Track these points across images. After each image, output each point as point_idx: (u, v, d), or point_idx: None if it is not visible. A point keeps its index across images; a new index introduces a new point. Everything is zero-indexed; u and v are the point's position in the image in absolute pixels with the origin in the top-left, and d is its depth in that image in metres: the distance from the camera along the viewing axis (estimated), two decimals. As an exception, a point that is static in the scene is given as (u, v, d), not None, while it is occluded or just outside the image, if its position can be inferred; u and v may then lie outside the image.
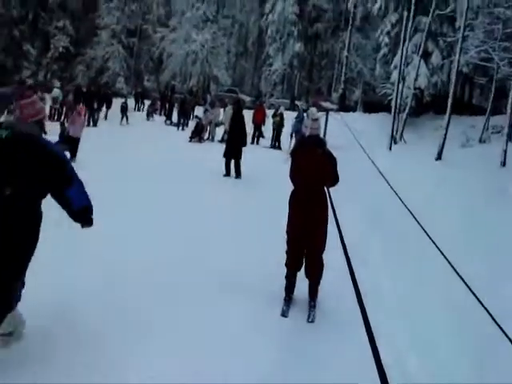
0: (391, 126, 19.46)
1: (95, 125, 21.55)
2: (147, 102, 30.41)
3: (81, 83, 38.49)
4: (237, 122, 12.66)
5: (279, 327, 4.81)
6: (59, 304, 4.51)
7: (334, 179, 5.23)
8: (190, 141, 18.68)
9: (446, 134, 13.95)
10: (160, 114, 28.10)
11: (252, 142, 19.45)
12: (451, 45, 21.53)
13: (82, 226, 3.88)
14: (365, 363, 3.31)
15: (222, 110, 21.47)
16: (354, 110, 31.47)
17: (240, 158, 12.43)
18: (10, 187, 3.41)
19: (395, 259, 7.18)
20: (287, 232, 5.23)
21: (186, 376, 3.71)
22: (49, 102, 22.76)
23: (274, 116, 19.76)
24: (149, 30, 45.56)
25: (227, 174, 12.41)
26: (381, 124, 24.70)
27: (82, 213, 3.77)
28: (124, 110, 23.46)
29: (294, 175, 5.26)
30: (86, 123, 20.81)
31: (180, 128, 22.96)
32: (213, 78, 41.57)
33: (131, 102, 30.29)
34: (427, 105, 24.59)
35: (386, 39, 26.86)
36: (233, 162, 12.39)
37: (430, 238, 6.55)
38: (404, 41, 19.90)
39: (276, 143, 19.24)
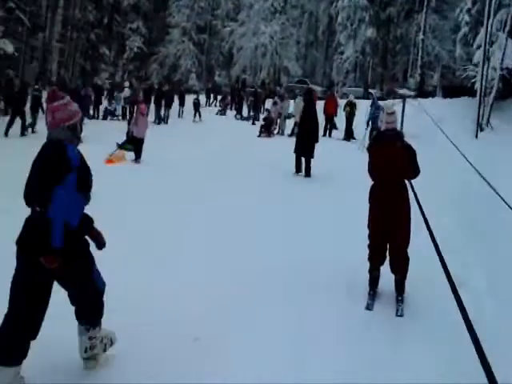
0: (476, 111, 17.91)
1: (166, 122, 21.53)
2: (219, 98, 30.36)
3: (154, 81, 39.43)
4: (308, 115, 11.57)
5: (365, 321, 4.72)
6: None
7: (414, 172, 5.11)
8: (260, 135, 18.16)
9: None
10: (231, 109, 27.86)
11: (324, 135, 18.62)
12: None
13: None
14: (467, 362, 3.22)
15: (292, 101, 20.80)
16: (432, 95, 29.66)
17: (312, 155, 11.35)
18: (37, 202, 3.03)
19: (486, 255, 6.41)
20: (369, 226, 5.16)
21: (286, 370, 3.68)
22: (121, 102, 23.17)
23: (345, 106, 18.81)
24: (218, 26, 45.65)
25: (298, 171, 11.53)
26: (463, 109, 23.01)
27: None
28: (196, 106, 23.37)
29: (373, 170, 5.14)
30: (157, 121, 21.02)
31: (251, 122, 22.55)
32: (283, 70, 40.92)
33: (203, 98, 30.43)
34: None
35: (467, 17, 24.97)
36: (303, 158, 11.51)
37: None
38: (488, 17, 18.21)
39: (348, 135, 18.26)
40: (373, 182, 5.19)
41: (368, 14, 39.71)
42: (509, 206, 6.85)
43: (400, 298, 5.02)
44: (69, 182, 3.03)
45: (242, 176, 10.66)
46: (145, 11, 45.59)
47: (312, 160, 11.39)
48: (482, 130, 18.40)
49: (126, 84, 26.63)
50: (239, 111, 25.36)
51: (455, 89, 28.02)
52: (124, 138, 13.07)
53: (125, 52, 44.64)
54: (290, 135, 17.61)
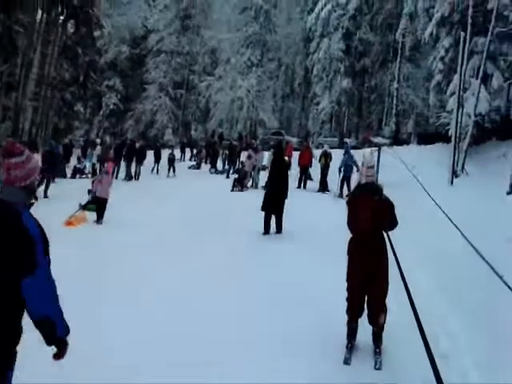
0: (451, 157, 17.57)
1: (137, 179, 20.88)
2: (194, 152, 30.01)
3: (128, 137, 39.12)
4: (277, 169, 10.85)
5: (343, 376, 4.67)
6: None
7: (392, 224, 5.21)
8: (233, 190, 17.55)
9: (517, 164, 12.10)
10: (206, 163, 27.41)
11: (299, 186, 18.11)
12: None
13: (54, 356, 2.74)
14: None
15: (266, 153, 20.37)
16: (407, 142, 29.61)
17: (281, 212, 10.53)
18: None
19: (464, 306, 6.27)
20: (347, 280, 5.21)
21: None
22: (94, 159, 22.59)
23: (320, 157, 18.35)
24: (195, 80, 45.90)
25: (266, 231, 10.43)
26: (438, 156, 22.79)
27: (43, 325, 2.65)
28: (171, 161, 22.84)
29: (352, 222, 5.24)
30: (127, 178, 20.37)
31: (226, 175, 22.03)
32: (259, 122, 40.95)
33: (178, 153, 30.00)
34: (488, 132, 22.52)
35: (440, 65, 25.08)
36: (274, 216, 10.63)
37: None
38: (462, 64, 18.14)
39: (323, 186, 17.67)
40: (351, 235, 5.28)
41: (343, 64, 40.32)
42: (485, 260, 6.29)
43: (378, 351, 5.03)
44: (40, 258, 2.57)
45: (209, 235, 10.00)
46: (122, 68, 45.79)
47: (283, 215, 10.69)
48: (457, 176, 18.02)
49: (98, 141, 26.13)
50: (213, 165, 24.87)
51: (429, 136, 27.99)
52: (87, 197, 12.37)
53: (101, 109, 44.48)
54: (264, 187, 17.02)
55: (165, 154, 24.03)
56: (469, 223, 8.52)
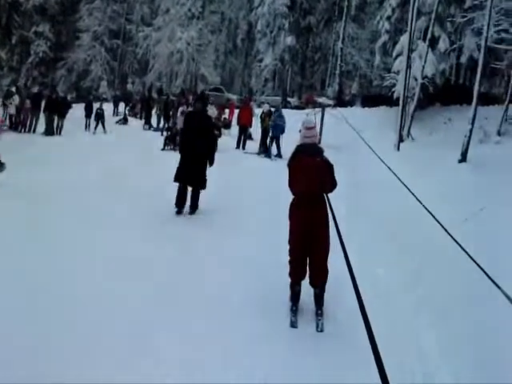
0: (397, 121, 16.57)
1: (59, 133, 18.64)
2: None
3: (60, 89, 36.08)
4: (196, 127, 8.00)
5: (291, 339, 4.61)
6: None
7: (332, 185, 5.16)
8: (164, 148, 15.84)
9: (471, 130, 11.06)
10: (141, 118, 25.36)
11: (237, 147, 16.66)
12: (460, 28, 18.78)
13: None
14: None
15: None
16: (351, 104, 28.51)
17: (199, 184, 8.13)
18: None
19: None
20: (289, 241, 5.11)
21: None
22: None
23: (261, 116, 16.85)
24: (132, 31, 42.71)
25: (179, 210, 8.09)
26: (382, 119, 21.92)
27: None
28: (99, 116, 20.60)
29: (293, 184, 5.16)
30: (46, 132, 18.17)
31: (161, 133, 20.17)
32: (200, 77, 38.64)
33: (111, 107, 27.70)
34: (432, 96, 21.76)
35: (387, 25, 23.94)
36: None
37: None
38: (411, 22, 16.89)
39: (263, 149, 16.19)
40: (292, 197, 5.19)
41: (288, 21, 38.37)
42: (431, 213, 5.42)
43: (320, 312, 4.99)
44: None
45: (121, 201, 8.38)
46: (52, 13, 41.84)
47: (202, 191, 8.26)
48: (402, 141, 17.13)
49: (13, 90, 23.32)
50: (147, 121, 22.87)
51: (374, 98, 27.09)
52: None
53: (29, 57, 40.78)
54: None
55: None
56: (424, 192, 7.38)
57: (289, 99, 32.85)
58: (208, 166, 8.15)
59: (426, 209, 5.76)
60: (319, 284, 5.00)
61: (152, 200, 8.66)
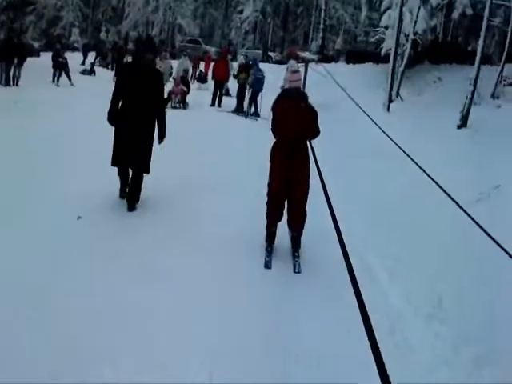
0: (388, 79, 15.08)
1: (16, 84, 16.63)
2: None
3: (33, 36, 33.57)
4: (142, 89, 5.45)
5: (265, 279, 4.54)
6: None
7: (315, 132, 5.04)
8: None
9: (474, 92, 9.68)
10: (112, 69, 23.33)
11: (212, 104, 15.04)
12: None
13: None
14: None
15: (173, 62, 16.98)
16: (335, 60, 26.72)
17: (145, 167, 5.67)
18: None
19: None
20: (268, 184, 5.04)
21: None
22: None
23: (238, 70, 15.11)
24: (107, -25, 39.67)
25: (123, 195, 5.88)
26: (368, 77, 20.39)
27: None
28: (62, 66, 18.44)
29: (276, 127, 5.03)
30: (3, 82, 16.23)
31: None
32: (177, 28, 36.18)
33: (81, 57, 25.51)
34: (421, 54, 20.26)
35: (374, -23, 22.10)
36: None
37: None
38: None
39: (239, 106, 14.50)
40: (275, 140, 5.08)
41: (270, -30, 35.93)
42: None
43: (296, 254, 5.00)
44: None
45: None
46: (20, -48, 38.43)
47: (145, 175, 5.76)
48: (391, 101, 15.73)
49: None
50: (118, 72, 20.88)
51: (359, 54, 25.43)
52: None
53: (-4, 0, 37.62)
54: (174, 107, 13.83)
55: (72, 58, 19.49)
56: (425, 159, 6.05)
57: (270, 53, 30.87)
58: (158, 142, 5.73)
59: (431, 178, 4.65)
60: (297, 228, 4.98)
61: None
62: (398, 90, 15.87)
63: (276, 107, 5.02)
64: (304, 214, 4.95)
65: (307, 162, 4.93)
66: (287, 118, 4.85)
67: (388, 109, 14.35)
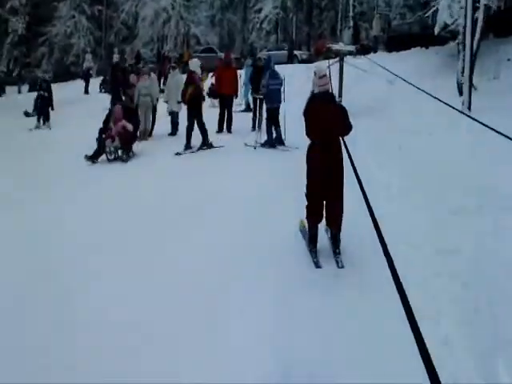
0: (459, 65, 10.46)
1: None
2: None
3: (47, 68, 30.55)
4: None
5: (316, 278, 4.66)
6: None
7: (348, 128, 5.06)
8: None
9: None
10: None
11: (220, 130, 10.77)
12: None
13: None
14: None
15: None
16: (374, 50, 21.76)
17: None
18: None
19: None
20: (307, 186, 5.03)
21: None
22: None
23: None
24: (115, -6, 35.98)
25: None
26: (419, 66, 15.63)
27: None
28: (42, 101, 14.59)
29: (312, 131, 5.03)
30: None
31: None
32: (192, 38, 32.03)
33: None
34: (485, 25, 15.33)
35: None
36: None
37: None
38: None
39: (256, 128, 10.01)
40: (310, 142, 5.08)
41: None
42: None
43: (337, 251, 4.99)
44: None
45: None
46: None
47: None
48: (461, 94, 10.99)
49: None
50: (115, 96, 16.69)
51: (400, 39, 20.62)
52: None
53: (7, 36, 34.81)
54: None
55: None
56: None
57: (295, 52, 26.23)
58: None
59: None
60: (337, 224, 4.98)
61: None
62: (470, 77, 11.00)
63: (308, 111, 5.05)
64: (342, 211, 4.95)
65: (342, 162, 4.90)
66: (320, 117, 4.91)
67: (469, 107, 9.60)
